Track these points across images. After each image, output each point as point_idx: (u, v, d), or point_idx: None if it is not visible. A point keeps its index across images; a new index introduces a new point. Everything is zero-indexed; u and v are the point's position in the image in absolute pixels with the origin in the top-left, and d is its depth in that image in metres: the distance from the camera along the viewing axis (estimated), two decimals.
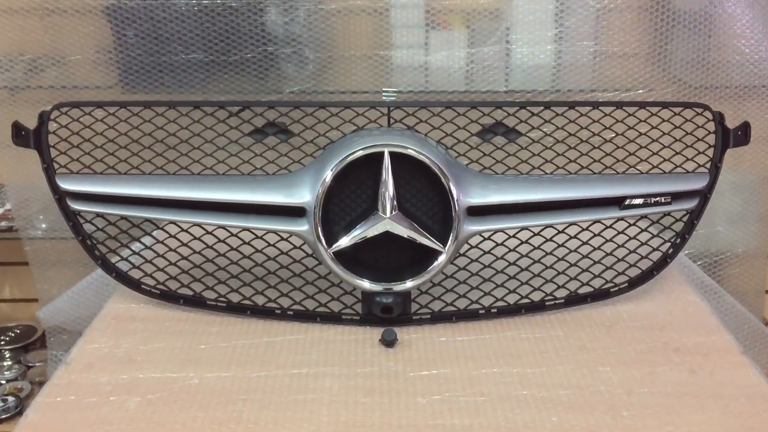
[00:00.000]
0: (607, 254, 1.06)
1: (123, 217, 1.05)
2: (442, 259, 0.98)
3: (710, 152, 1.05)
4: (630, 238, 1.07)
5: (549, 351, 0.95)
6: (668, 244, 1.07)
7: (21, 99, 1.28)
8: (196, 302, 1.04)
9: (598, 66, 1.38)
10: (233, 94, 1.29)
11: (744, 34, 1.32)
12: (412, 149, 0.97)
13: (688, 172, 1.07)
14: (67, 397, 0.86)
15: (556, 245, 1.06)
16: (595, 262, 1.06)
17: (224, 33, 1.24)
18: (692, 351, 0.94)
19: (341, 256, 0.98)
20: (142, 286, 1.05)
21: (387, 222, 0.97)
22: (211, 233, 1.05)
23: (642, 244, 1.07)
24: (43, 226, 1.45)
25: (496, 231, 1.02)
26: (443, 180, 0.97)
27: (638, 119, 1.07)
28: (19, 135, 1.04)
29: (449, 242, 0.98)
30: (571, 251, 1.06)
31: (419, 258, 1.01)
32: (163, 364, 0.92)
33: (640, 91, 1.33)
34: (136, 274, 1.05)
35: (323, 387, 0.88)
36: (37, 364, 1.69)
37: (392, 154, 0.97)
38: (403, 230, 0.97)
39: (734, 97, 1.34)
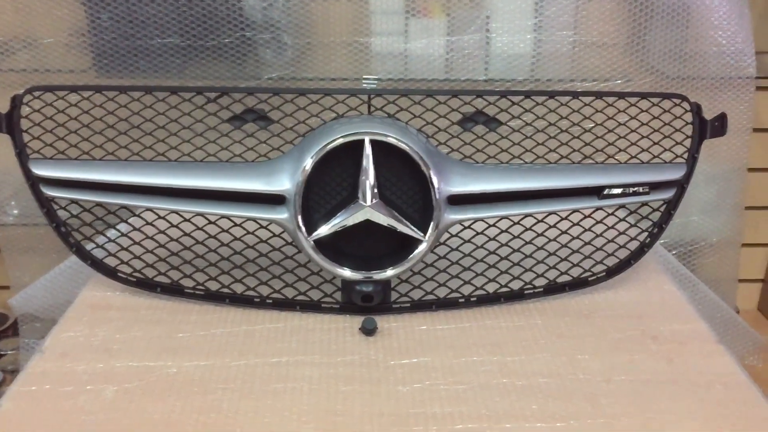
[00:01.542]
0: (585, 243, 1.07)
1: (98, 204, 1.03)
2: (422, 247, 0.98)
3: (687, 143, 1.06)
4: (608, 228, 1.08)
5: (528, 339, 0.95)
6: (645, 234, 1.08)
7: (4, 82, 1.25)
8: (174, 290, 1.03)
9: (577, 56, 1.38)
10: (210, 80, 1.27)
11: (721, 26, 1.33)
12: (392, 137, 0.96)
13: (665, 162, 1.08)
14: (42, 386, 0.84)
15: (535, 234, 1.06)
16: (573, 251, 1.06)
17: (201, 17, 1.22)
18: (669, 339, 0.95)
19: (321, 245, 0.98)
20: (118, 274, 1.04)
21: (367, 210, 0.96)
22: (188, 220, 1.04)
23: (620, 233, 1.08)
24: (15, 212, 1.43)
25: (476, 220, 1.02)
26: (424, 168, 0.96)
27: (617, 109, 1.07)
28: None
29: (429, 231, 0.97)
30: (549, 240, 1.06)
31: (399, 247, 1.00)
32: (140, 353, 0.91)
33: (618, 81, 1.33)
34: (111, 261, 1.04)
35: (303, 376, 0.87)
36: (9, 352, 1.66)
37: (373, 142, 0.96)
38: (383, 219, 0.97)
39: (710, 88, 1.35)
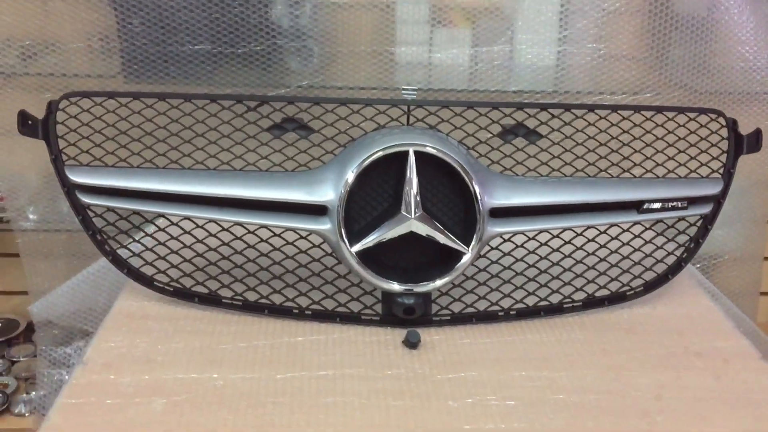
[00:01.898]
0: (624, 257, 1.07)
1: (135, 212, 1.02)
2: (465, 260, 0.97)
3: (721, 157, 1.06)
4: (645, 242, 1.08)
5: (573, 354, 0.95)
6: (682, 249, 1.08)
7: (18, 86, 1.23)
8: (211, 300, 1.02)
9: (602, 69, 1.38)
10: (240, 87, 1.26)
11: (747, 41, 1.34)
12: (437, 149, 0.96)
13: (702, 177, 1.08)
14: (89, 398, 0.83)
15: (574, 248, 1.06)
16: (611, 266, 1.06)
17: (233, 24, 1.21)
18: (713, 355, 0.95)
19: (362, 256, 0.97)
20: (155, 283, 1.02)
21: (412, 222, 0.95)
22: (226, 230, 1.03)
23: (658, 248, 1.08)
24: (33, 217, 1.41)
25: (517, 233, 1.02)
26: (468, 181, 0.96)
27: (654, 123, 1.07)
28: (26, 124, 1.00)
29: (473, 243, 0.97)
30: (588, 254, 1.06)
31: (438, 259, 1.00)
32: (184, 365, 0.89)
33: (648, 95, 1.33)
34: (147, 270, 1.02)
35: (352, 390, 0.86)
36: (22, 359, 1.63)
37: (416, 154, 0.96)
38: (427, 230, 0.96)
39: (736, 102, 1.35)
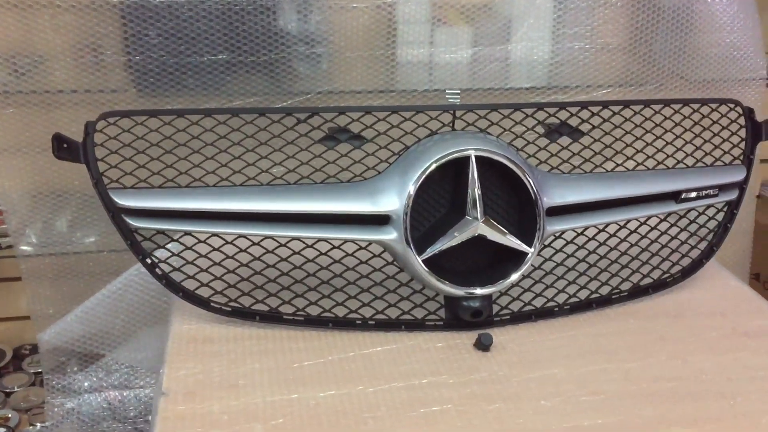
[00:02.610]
0: (663, 246, 1.11)
1: (187, 233, 0.99)
2: (529, 259, 0.99)
3: (738, 145, 1.12)
4: (681, 230, 1.13)
5: (636, 344, 0.98)
6: (712, 234, 1.13)
7: (25, 103, 1.17)
8: (273, 318, 1.00)
9: (599, 62, 1.42)
10: (258, 96, 1.23)
11: (733, 30, 1.41)
12: (498, 153, 0.97)
13: (726, 164, 1.14)
14: (186, 431, 0.81)
15: (618, 240, 1.09)
16: (653, 254, 1.11)
17: (251, 33, 1.18)
18: (759, 334, 1.01)
19: (426, 263, 0.97)
20: (212, 305, 1.00)
21: (479, 226, 0.97)
22: (284, 245, 1.01)
23: (691, 234, 1.13)
24: (33, 240, 1.34)
25: (570, 230, 1.04)
26: (528, 183, 0.98)
27: (663, 116, 1.10)
28: (62, 148, 0.96)
29: (535, 243, 0.99)
30: (631, 245, 1.10)
31: (495, 260, 1.01)
32: (268, 387, 0.88)
33: (650, 87, 1.39)
34: (201, 290, 1.00)
35: (443, 397, 0.87)
36: (17, 389, 1.55)
37: (476, 158, 0.97)
38: (494, 234, 0.97)
39: (729, 90, 1.42)
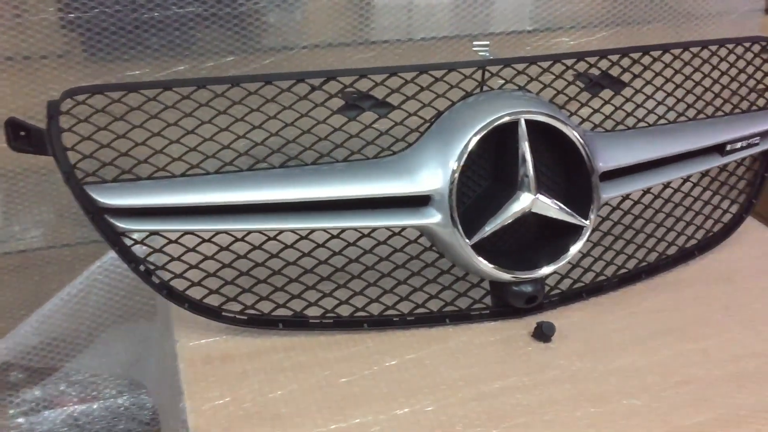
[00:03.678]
0: (706, 203, 1.03)
1: (188, 233, 0.82)
2: (586, 233, 0.87)
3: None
4: (723, 184, 1.04)
5: (701, 318, 0.90)
6: (750, 188, 1.05)
7: None
8: (298, 323, 0.85)
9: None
10: (237, 54, 1.04)
11: None
12: (549, 116, 0.84)
13: (761, 108, 1.05)
14: None
15: (662, 201, 1.00)
16: (696, 213, 1.02)
17: None
18: None
19: (475, 247, 0.84)
20: (224, 314, 0.84)
21: (536, 202, 0.84)
22: (306, 237, 0.85)
23: (732, 187, 1.04)
24: None
25: (623, 195, 0.93)
26: (581, 148, 0.86)
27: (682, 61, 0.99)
28: (19, 137, 0.77)
29: (591, 215, 0.87)
30: (676, 206, 1.00)
31: (545, 237, 0.90)
32: (319, 413, 0.74)
33: (654, 25, 1.27)
34: (208, 299, 0.83)
35: (523, 405, 0.75)
36: None
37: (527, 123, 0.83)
38: (549, 209, 0.85)
39: (728, 23, 1.33)
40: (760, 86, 1.04)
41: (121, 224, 0.78)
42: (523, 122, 0.83)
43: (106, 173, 0.79)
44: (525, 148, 0.83)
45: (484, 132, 0.82)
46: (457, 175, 0.81)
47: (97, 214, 0.78)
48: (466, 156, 0.82)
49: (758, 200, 1.05)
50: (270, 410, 0.74)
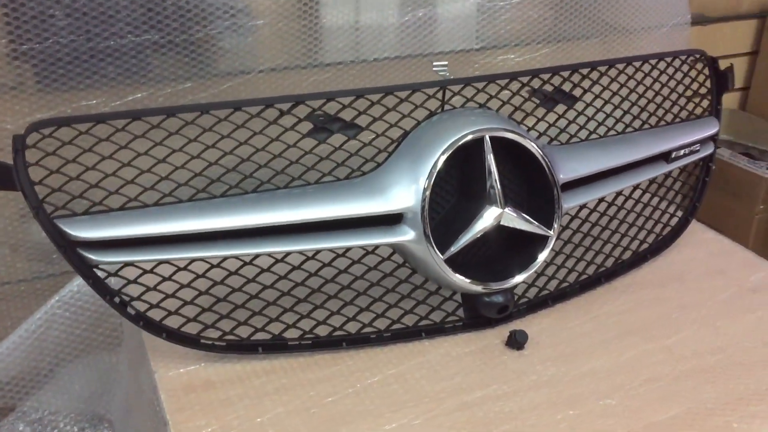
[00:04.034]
0: (654, 208, 1.08)
1: (163, 262, 0.81)
2: (551, 243, 0.91)
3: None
4: (673, 189, 1.09)
5: (660, 317, 0.94)
6: (692, 193, 1.11)
7: None
8: (277, 346, 0.86)
9: (525, 17, 1.35)
10: (194, 81, 1.04)
11: None
12: (511, 132, 0.87)
13: (698, 117, 1.11)
14: None
15: (616, 208, 1.04)
16: (647, 218, 1.07)
17: (174, 10, 0.99)
18: (764, 289, 1.00)
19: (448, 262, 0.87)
20: (202, 341, 0.83)
21: (504, 215, 0.87)
22: (282, 260, 0.86)
23: (677, 193, 1.10)
24: None
25: (582, 205, 0.97)
26: (542, 161, 0.89)
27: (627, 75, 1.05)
28: None
29: (555, 225, 0.91)
30: (628, 212, 1.05)
31: (510, 249, 0.92)
32: None
33: (596, 40, 1.33)
34: (183, 326, 0.83)
35: (506, 412, 0.78)
36: None
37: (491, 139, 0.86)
38: (518, 221, 0.88)
39: (659, 36, 1.40)
40: (696, 95, 1.10)
41: (94, 257, 0.77)
42: (488, 139, 0.86)
43: (75, 205, 0.78)
44: (491, 163, 0.86)
45: (452, 150, 0.84)
46: (428, 192, 0.84)
47: (69, 248, 0.77)
48: (435, 174, 0.84)
49: (701, 203, 1.11)
50: None
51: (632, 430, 0.76)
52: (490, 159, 0.86)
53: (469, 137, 0.85)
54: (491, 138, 0.86)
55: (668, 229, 1.09)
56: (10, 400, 1.10)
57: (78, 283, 1.05)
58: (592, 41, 1.32)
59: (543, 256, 0.90)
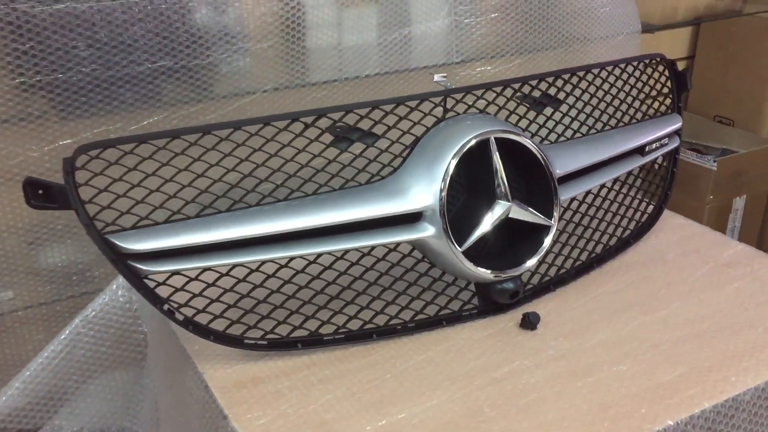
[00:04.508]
0: (633, 198, 1.18)
1: (207, 269, 0.87)
2: (552, 232, 1.00)
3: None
4: (648, 181, 1.20)
5: (651, 294, 1.04)
6: (664, 182, 1.22)
7: None
8: (314, 342, 0.92)
9: (494, 32, 1.45)
10: (204, 102, 1.10)
11: None
12: (513, 133, 0.97)
13: (663, 114, 1.23)
14: None
15: (601, 199, 1.15)
16: (628, 208, 1.17)
17: (192, 34, 1.05)
18: (736, 264, 1.12)
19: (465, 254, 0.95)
20: (246, 341, 0.90)
21: (511, 208, 0.96)
22: (315, 262, 0.93)
23: (651, 183, 1.21)
24: None
25: (574, 196, 1.07)
26: (540, 158, 0.99)
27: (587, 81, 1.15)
28: (37, 195, 0.80)
29: (555, 216, 1.00)
30: (611, 203, 1.15)
31: (514, 239, 1.01)
32: (359, 414, 0.81)
33: (560, 50, 1.45)
34: (224, 327, 0.89)
35: (531, 384, 0.86)
36: None
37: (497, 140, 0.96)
38: (524, 214, 0.97)
39: (615, 45, 1.53)
40: (659, 95, 1.22)
41: (144, 267, 0.83)
42: (493, 140, 0.95)
43: (121, 220, 0.84)
44: (497, 161, 0.95)
45: (463, 151, 0.93)
46: (445, 191, 0.92)
47: (120, 260, 0.82)
48: (450, 173, 0.92)
49: (671, 192, 1.22)
50: (315, 419, 0.81)
51: (646, 389, 0.85)
52: (497, 158, 0.95)
53: (477, 139, 0.94)
54: (495, 139, 0.95)
55: (646, 216, 1.20)
56: (40, 421, 1.12)
57: (101, 302, 1.10)
58: (558, 51, 1.44)
59: (548, 240, 0.99)
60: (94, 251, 1.14)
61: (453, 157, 0.93)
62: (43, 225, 1.06)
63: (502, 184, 0.95)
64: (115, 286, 1.10)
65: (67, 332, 1.10)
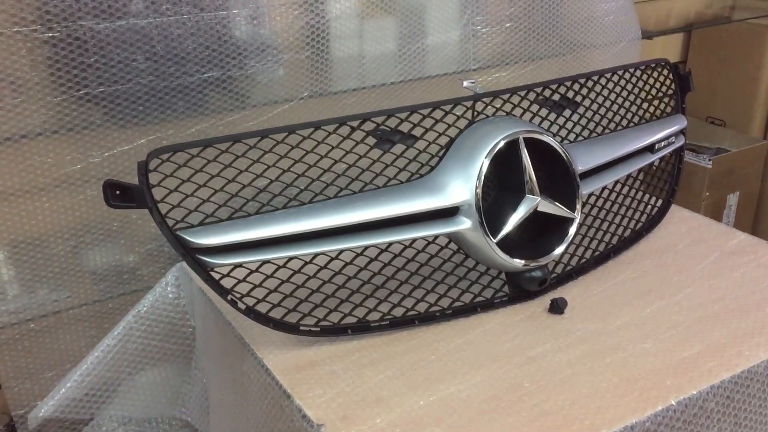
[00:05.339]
0: (644, 193, 1.27)
1: (265, 262, 0.95)
2: (576, 224, 1.09)
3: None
4: (659, 177, 1.29)
5: (666, 280, 1.13)
6: (672, 178, 1.32)
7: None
8: (362, 328, 1.00)
9: (504, 41, 1.54)
10: (248, 110, 1.18)
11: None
12: (539, 133, 1.05)
13: (668, 115, 1.32)
14: None
15: (615, 194, 1.23)
16: (640, 202, 1.26)
17: (240, 45, 1.13)
18: (742, 252, 1.21)
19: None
20: (301, 328, 0.97)
21: (540, 202, 1.04)
22: (362, 254, 1.01)
23: (660, 179, 1.30)
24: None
25: (594, 191, 1.16)
26: (564, 155, 1.07)
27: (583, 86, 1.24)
28: (116, 196, 0.88)
29: (578, 209, 1.09)
30: (625, 197, 1.24)
31: (540, 231, 1.10)
32: (411, 390, 0.89)
33: (566, 58, 1.54)
34: (281, 315, 0.97)
35: (564, 362, 0.94)
36: None
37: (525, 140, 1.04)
38: (551, 207, 1.06)
39: (618, 51, 1.62)
40: (665, 96, 1.31)
41: (211, 260, 0.91)
42: (521, 140, 1.03)
43: (189, 218, 0.91)
44: (526, 159, 1.04)
45: (496, 150, 1.01)
46: (480, 187, 1.00)
47: (190, 254, 0.90)
48: (485, 170, 1.01)
49: (678, 187, 1.31)
50: (372, 395, 0.89)
51: (669, 364, 0.93)
52: (525, 157, 1.03)
53: (507, 140, 1.03)
54: (524, 139, 1.04)
55: (656, 209, 1.29)
56: (95, 411, 1.19)
57: (151, 299, 1.17)
58: (566, 57, 1.53)
59: (573, 231, 1.08)
60: (144, 251, 1.22)
61: (486, 156, 1.01)
62: (96, 227, 1.13)
63: (530, 180, 1.04)
64: (164, 283, 1.17)
65: (120, 327, 1.17)
